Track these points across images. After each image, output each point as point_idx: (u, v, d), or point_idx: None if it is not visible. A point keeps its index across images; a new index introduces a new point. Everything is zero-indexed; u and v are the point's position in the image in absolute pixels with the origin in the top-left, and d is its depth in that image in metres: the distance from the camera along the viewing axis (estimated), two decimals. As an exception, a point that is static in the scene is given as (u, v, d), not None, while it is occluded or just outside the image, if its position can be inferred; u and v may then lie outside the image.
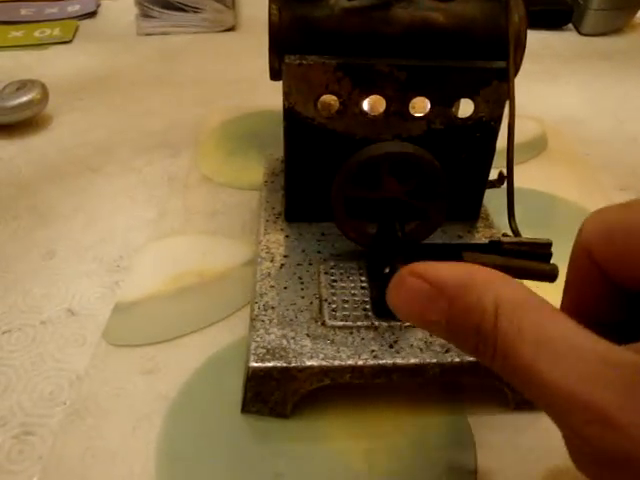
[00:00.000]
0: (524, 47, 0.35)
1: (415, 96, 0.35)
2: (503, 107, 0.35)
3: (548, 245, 0.29)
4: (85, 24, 0.82)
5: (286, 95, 0.34)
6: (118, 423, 0.31)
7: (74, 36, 0.78)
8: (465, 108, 0.36)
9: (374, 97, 0.35)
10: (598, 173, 0.53)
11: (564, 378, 0.16)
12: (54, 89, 0.60)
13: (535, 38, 0.78)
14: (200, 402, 0.32)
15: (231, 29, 0.80)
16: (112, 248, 0.43)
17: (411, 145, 0.33)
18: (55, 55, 0.73)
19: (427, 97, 0.35)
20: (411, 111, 0.35)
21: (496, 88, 0.35)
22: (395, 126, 0.35)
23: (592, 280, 0.23)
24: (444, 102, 0.35)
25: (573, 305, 0.24)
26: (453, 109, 0.36)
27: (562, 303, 0.25)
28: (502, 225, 0.39)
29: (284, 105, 0.35)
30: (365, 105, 0.35)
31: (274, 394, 0.31)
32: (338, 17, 0.34)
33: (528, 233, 0.45)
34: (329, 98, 0.35)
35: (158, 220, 0.45)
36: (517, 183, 0.49)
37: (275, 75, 0.35)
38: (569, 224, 0.47)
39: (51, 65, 0.70)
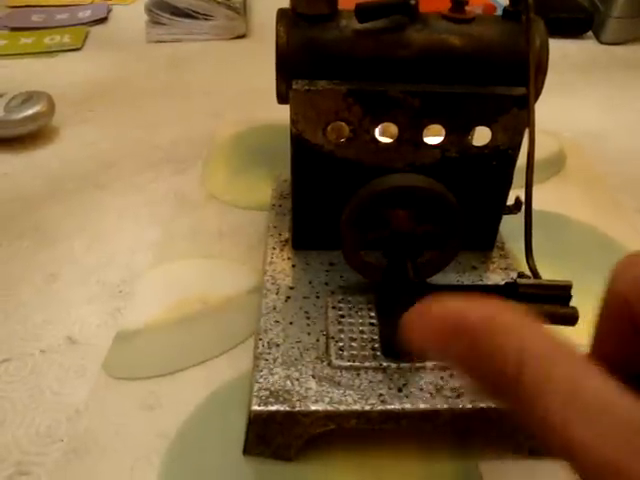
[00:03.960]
0: (545, 72, 0.34)
1: (429, 123, 0.33)
2: (522, 135, 0.34)
3: (568, 287, 0.28)
4: (95, 30, 0.81)
5: (293, 122, 0.33)
6: (116, 463, 0.30)
7: (84, 43, 0.77)
8: (481, 135, 0.35)
9: (386, 123, 0.33)
10: (617, 193, 0.51)
11: (596, 441, 0.15)
12: (61, 99, 0.59)
13: (553, 47, 0.75)
14: (201, 442, 0.31)
15: (242, 36, 0.79)
16: (115, 271, 0.42)
17: (425, 179, 0.31)
18: (64, 63, 0.72)
19: (442, 125, 0.33)
20: (425, 139, 0.34)
21: (515, 116, 0.33)
22: (408, 154, 0.34)
23: (627, 331, 0.21)
24: (460, 130, 0.33)
25: (603, 354, 0.23)
26: (469, 137, 0.34)
27: (591, 350, 0.23)
28: (517, 250, 0.37)
29: (291, 131, 0.33)
30: (377, 132, 0.34)
31: (277, 438, 0.30)
32: (349, 40, 0.33)
33: (543, 260, 0.44)
34: (339, 125, 0.33)
35: (162, 242, 0.44)
36: (534, 205, 0.48)
37: (282, 99, 0.34)
38: (586, 250, 0.46)
39: (59, 74, 0.69)
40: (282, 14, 0.33)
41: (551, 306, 0.28)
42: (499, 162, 0.34)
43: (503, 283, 0.28)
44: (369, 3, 0.31)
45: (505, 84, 0.33)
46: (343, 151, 0.34)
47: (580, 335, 0.35)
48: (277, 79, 0.33)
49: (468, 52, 0.33)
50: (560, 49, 0.76)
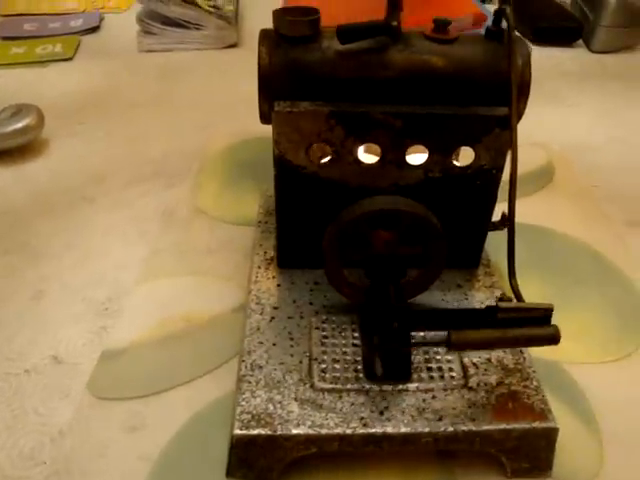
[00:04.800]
0: (528, 92, 0.34)
1: (412, 144, 0.33)
2: (505, 155, 0.34)
3: (549, 311, 0.28)
4: (87, 39, 0.81)
5: (276, 143, 0.33)
6: (99, 485, 0.30)
7: (75, 52, 0.77)
8: (467, 153, 0.35)
9: (369, 144, 0.33)
10: (606, 206, 0.51)
11: None
12: (52, 111, 0.59)
13: (543, 55, 0.76)
14: (183, 464, 0.31)
15: (234, 45, 0.79)
16: (102, 289, 0.42)
17: (408, 202, 0.31)
18: (55, 73, 0.72)
19: (425, 145, 0.33)
20: (408, 157, 0.34)
21: (498, 136, 0.33)
22: (391, 175, 0.34)
23: None
24: (443, 150, 0.33)
25: None
26: (453, 156, 0.34)
27: None
28: (504, 266, 0.37)
29: (274, 152, 0.33)
30: (360, 151, 0.34)
31: (259, 461, 0.30)
32: (331, 61, 0.33)
33: (531, 275, 0.44)
34: (321, 146, 0.33)
35: (149, 259, 0.44)
36: (522, 218, 0.47)
37: (266, 120, 0.34)
38: (574, 265, 0.46)
39: (50, 85, 0.69)
40: (265, 35, 0.33)
41: (531, 328, 0.28)
42: (483, 182, 0.35)
43: (483, 307, 0.28)
44: (351, 25, 0.32)
45: (488, 104, 0.33)
46: (326, 172, 0.34)
47: (568, 351, 0.36)
48: (259, 100, 0.33)
49: (450, 73, 0.33)
50: (550, 58, 0.76)
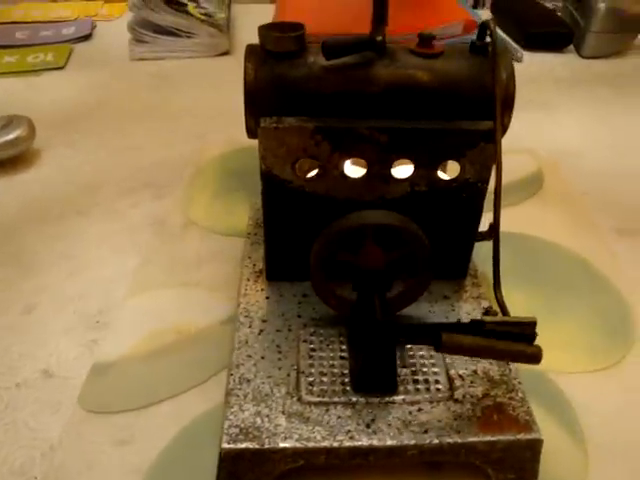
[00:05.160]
0: (512, 106, 0.34)
1: (398, 159, 0.33)
2: (491, 168, 0.34)
3: (532, 325, 0.28)
4: (79, 48, 0.82)
5: (263, 158, 0.33)
6: (89, 500, 0.31)
7: (67, 61, 0.77)
8: (454, 166, 0.35)
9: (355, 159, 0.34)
10: (595, 214, 0.51)
11: None
12: (43, 121, 0.59)
13: (534, 61, 0.77)
14: (173, 478, 0.31)
15: (225, 53, 0.79)
16: (93, 302, 0.42)
17: (395, 215, 0.31)
18: (47, 83, 0.72)
19: (410, 159, 0.33)
20: (395, 170, 0.34)
21: (482, 150, 0.33)
22: (377, 189, 0.34)
23: None
24: (428, 164, 0.34)
25: None
26: (439, 168, 0.34)
27: None
28: (491, 277, 0.38)
29: (261, 168, 0.33)
30: (347, 166, 0.34)
31: (248, 474, 0.30)
32: (317, 77, 0.33)
33: (519, 285, 0.44)
34: (308, 161, 0.33)
35: (140, 271, 0.44)
36: (510, 227, 0.48)
37: (252, 134, 0.34)
38: (562, 274, 0.46)
39: (42, 94, 0.69)
40: (251, 51, 0.34)
41: (515, 344, 0.28)
42: (469, 194, 0.35)
43: (470, 320, 0.29)
44: (335, 40, 0.32)
45: (473, 118, 0.33)
46: (313, 186, 0.34)
47: (554, 360, 0.36)
48: (246, 115, 0.33)
49: (435, 87, 0.33)
50: (540, 64, 0.76)
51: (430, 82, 0.33)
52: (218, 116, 0.65)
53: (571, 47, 0.80)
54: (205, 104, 0.67)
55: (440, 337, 0.28)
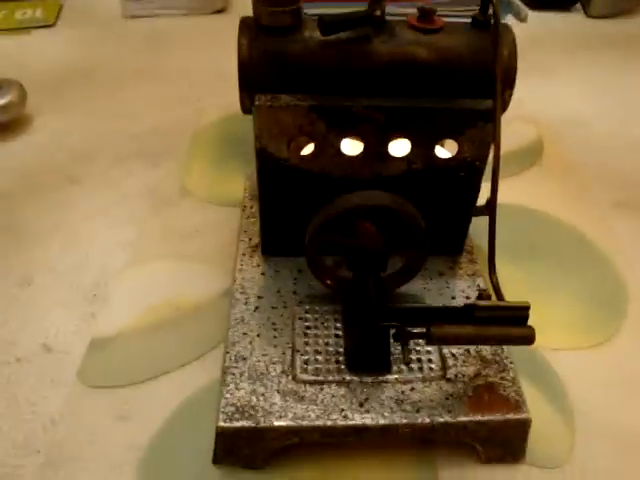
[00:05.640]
0: (513, 83, 0.33)
1: (395, 137, 0.33)
2: (489, 148, 0.34)
3: (525, 309, 0.28)
4: (69, 3, 0.79)
5: (257, 137, 0.32)
6: (90, 474, 0.31)
7: (57, 18, 0.74)
8: (451, 143, 0.34)
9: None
10: (595, 185, 0.51)
11: None
12: (34, 84, 0.58)
13: (538, 22, 0.74)
14: (172, 452, 0.32)
15: (221, 11, 0.76)
16: (89, 274, 0.42)
17: (388, 196, 0.31)
18: (37, 42, 0.70)
19: (408, 138, 0.33)
20: (391, 147, 0.34)
21: (481, 129, 0.33)
22: (374, 167, 0.34)
23: None
24: (426, 143, 0.33)
25: None
26: (437, 146, 0.34)
27: None
28: (487, 252, 0.38)
29: (255, 146, 0.33)
30: (343, 144, 0.34)
31: (244, 450, 0.31)
32: (313, 52, 0.32)
33: (512, 259, 0.44)
34: (304, 139, 0.33)
35: (136, 242, 0.44)
36: (508, 199, 0.48)
37: (247, 111, 0.34)
38: (558, 249, 0.46)
39: (32, 54, 0.67)
40: (244, 25, 0.32)
41: (508, 328, 0.28)
42: (466, 173, 0.34)
43: (462, 304, 0.29)
44: (332, 16, 0.31)
45: (473, 95, 0.33)
46: (308, 164, 0.34)
47: (548, 337, 0.36)
48: (240, 92, 0.33)
49: (435, 64, 0.32)
50: (545, 24, 0.74)
51: (429, 58, 0.32)
52: (214, 79, 0.63)
53: (578, 6, 0.77)
54: (201, 66, 0.66)
55: (429, 331, 0.28)
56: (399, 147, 0.34)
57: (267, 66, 0.32)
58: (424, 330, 0.27)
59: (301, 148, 0.33)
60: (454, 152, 0.34)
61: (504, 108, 0.33)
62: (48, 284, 0.41)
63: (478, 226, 0.39)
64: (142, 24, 0.74)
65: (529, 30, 0.71)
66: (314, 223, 0.31)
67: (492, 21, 0.32)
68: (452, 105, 0.32)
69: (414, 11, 0.33)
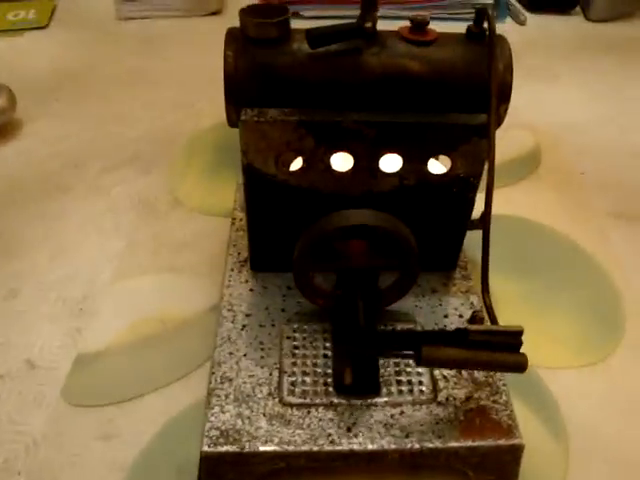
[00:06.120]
0: (509, 97, 0.32)
1: (386, 153, 0.32)
2: (483, 164, 0.33)
3: (519, 334, 0.27)
4: (63, 4, 0.78)
5: (244, 152, 0.32)
6: (72, 496, 0.31)
7: (50, 20, 0.74)
8: (444, 158, 0.33)
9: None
10: (592, 195, 0.50)
11: None
12: (25, 87, 0.57)
13: (537, 25, 0.73)
14: (156, 473, 0.32)
15: (216, 13, 0.75)
16: (77, 287, 0.41)
17: (380, 216, 0.30)
18: (29, 44, 0.69)
19: (399, 154, 0.32)
20: (381, 163, 0.33)
21: (476, 144, 0.32)
22: (364, 182, 0.33)
23: None
24: (418, 159, 0.32)
25: None
26: (430, 162, 0.33)
27: None
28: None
29: (242, 162, 0.32)
30: (333, 159, 0.33)
31: (228, 475, 0.30)
32: (302, 65, 0.31)
33: (507, 272, 0.43)
34: (292, 155, 0.32)
35: (125, 254, 0.43)
36: (504, 210, 0.47)
37: (234, 125, 0.33)
38: (553, 261, 0.45)
39: (24, 57, 0.66)
40: (231, 36, 0.32)
41: (501, 354, 0.27)
42: (460, 189, 0.34)
43: (453, 329, 0.28)
44: (321, 28, 0.30)
45: (467, 109, 0.32)
46: (297, 180, 0.33)
47: (543, 356, 0.36)
48: (226, 105, 0.32)
49: (427, 78, 0.31)
50: (545, 27, 0.73)
51: (422, 72, 0.31)
52: (209, 83, 0.62)
53: (578, 9, 0.76)
54: (196, 69, 0.65)
55: (420, 352, 0.27)
56: (390, 163, 0.33)
57: (254, 79, 0.31)
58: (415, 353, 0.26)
59: (289, 164, 0.32)
60: (447, 166, 0.33)
61: (499, 123, 0.32)
62: (34, 297, 0.41)
63: (472, 239, 0.38)
64: (136, 26, 0.73)
65: (528, 33, 0.70)
66: (298, 248, 0.30)
67: (487, 33, 0.31)
68: (445, 120, 0.31)
69: (414, 12, 0.32)
